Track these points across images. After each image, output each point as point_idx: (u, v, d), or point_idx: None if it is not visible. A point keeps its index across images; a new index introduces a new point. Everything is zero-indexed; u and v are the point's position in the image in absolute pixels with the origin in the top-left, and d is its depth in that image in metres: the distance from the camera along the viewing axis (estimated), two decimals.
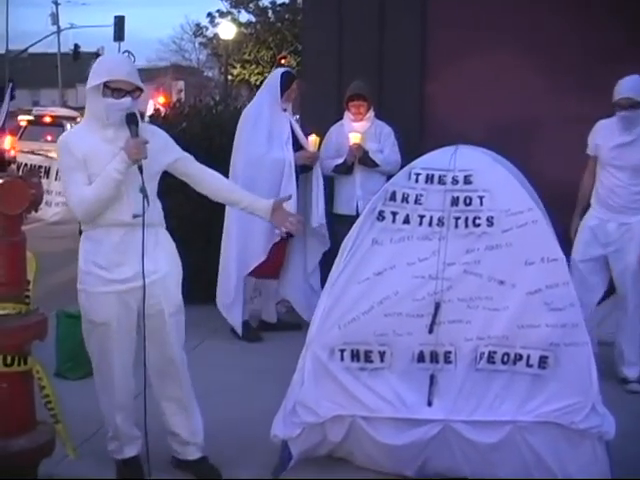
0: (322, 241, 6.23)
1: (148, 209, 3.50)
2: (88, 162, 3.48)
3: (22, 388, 3.33)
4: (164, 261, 3.65)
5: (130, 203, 3.51)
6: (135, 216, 3.48)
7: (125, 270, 3.55)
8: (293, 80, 6.13)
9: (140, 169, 3.44)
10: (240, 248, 5.89)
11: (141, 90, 3.56)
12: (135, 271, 3.52)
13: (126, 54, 31.97)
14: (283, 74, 6.11)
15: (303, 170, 6.10)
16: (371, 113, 6.36)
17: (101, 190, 3.47)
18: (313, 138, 6.09)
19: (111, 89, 3.47)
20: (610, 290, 6.28)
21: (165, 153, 3.68)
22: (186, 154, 3.79)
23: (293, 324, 6.31)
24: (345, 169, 6.28)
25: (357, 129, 6.31)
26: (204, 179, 3.81)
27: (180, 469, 3.84)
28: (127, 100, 3.48)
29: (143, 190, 3.44)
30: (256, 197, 3.89)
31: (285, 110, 6.06)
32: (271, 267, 6.00)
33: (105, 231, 3.56)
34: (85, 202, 3.51)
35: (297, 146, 6.05)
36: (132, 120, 3.47)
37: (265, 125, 5.92)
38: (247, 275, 6.01)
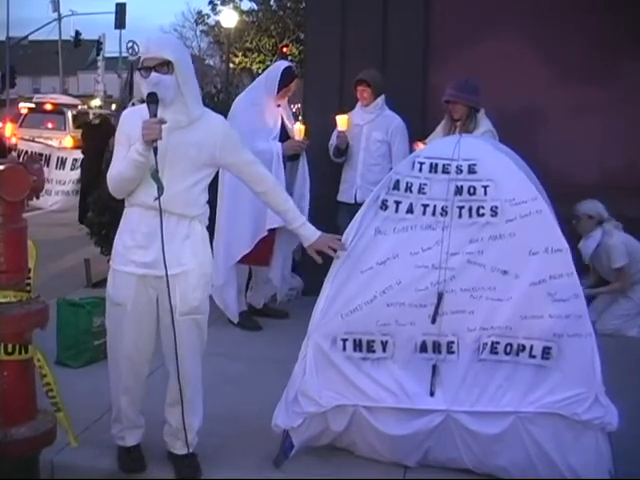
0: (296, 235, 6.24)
1: (181, 199, 3.49)
2: (132, 139, 3.46)
3: (23, 376, 3.31)
4: (188, 258, 3.57)
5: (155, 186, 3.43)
6: (155, 199, 3.41)
7: (146, 254, 3.52)
8: (293, 79, 6.02)
9: (155, 151, 3.36)
10: (227, 240, 5.87)
11: (169, 63, 3.41)
12: (154, 258, 3.48)
13: (130, 44, 31.92)
14: (284, 71, 5.97)
15: (290, 159, 6.07)
16: (379, 102, 6.33)
17: (124, 169, 3.48)
18: (298, 127, 6.06)
19: (143, 69, 3.46)
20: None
21: (219, 149, 3.58)
22: (247, 160, 3.71)
23: (279, 311, 6.36)
24: (338, 153, 6.31)
25: (362, 117, 6.32)
26: (259, 190, 3.75)
27: (169, 461, 3.81)
28: (153, 76, 3.41)
29: (154, 173, 3.37)
30: (304, 222, 3.77)
31: (279, 106, 6.00)
32: (260, 255, 5.99)
33: (136, 211, 3.57)
34: (112, 178, 3.55)
35: (287, 138, 6.01)
36: (152, 100, 3.40)
37: (254, 119, 5.83)
38: (239, 263, 5.97)
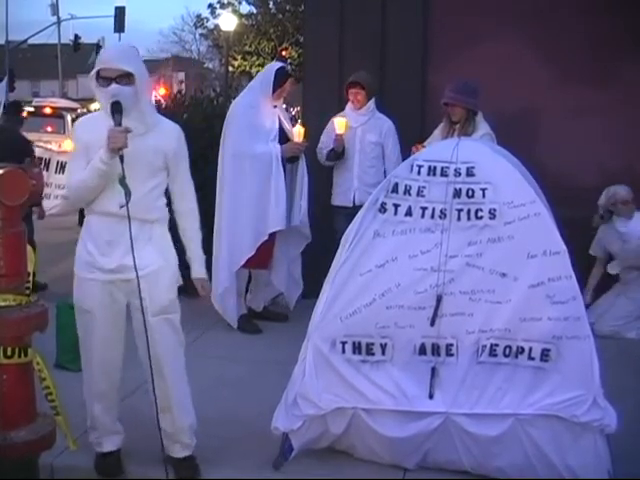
0: (303, 235, 6.27)
1: (140, 205, 3.49)
2: (91, 148, 3.49)
3: (22, 380, 3.31)
4: (153, 259, 3.61)
5: (120, 193, 3.46)
6: (121, 206, 3.45)
7: (110, 261, 3.56)
8: (287, 78, 6.07)
9: (121, 159, 3.39)
10: (229, 244, 5.90)
11: (130, 75, 3.46)
12: (119, 263, 3.54)
13: None
14: (277, 71, 6.02)
15: (290, 160, 6.10)
16: (371, 105, 6.37)
17: (87, 178, 3.50)
18: (298, 129, 6.10)
19: (101, 78, 3.48)
20: (609, 284, 6.31)
21: (172, 156, 3.64)
22: (187, 176, 3.75)
23: (279, 314, 6.38)
24: (334, 156, 6.31)
25: (356, 119, 6.33)
26: (179, 208, 3.76)
27: (169, 464, 3.78)
28: (113, 87, 3.44)
29: (122, 181, 3.40)
30: (201, 258, 3.83)
31: (275, 107, 6.04)
32: (260, 258, 6.01)
33: (98, 218, 3.59)
34: (73, 188, 3.58)
35: (285, 140, 6.03)
36: (116, 109, 3.43)
37: (253, 121, 5.88)
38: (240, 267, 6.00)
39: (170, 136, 3.66)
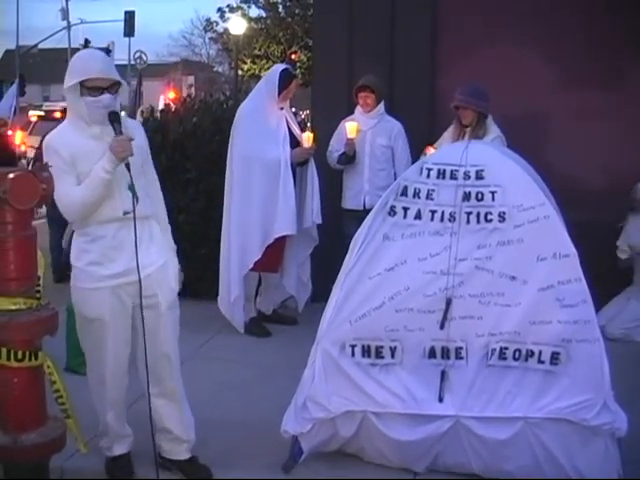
0: (312, 237, 6.29)
1: (139, 204, 3.50)
2: (77, 161, 3.47)
3: (33, 383, 3.32)
4: (158, 255, 3.65)
5: (122, 199, 3.50)
6: (125, 213, 3.48)
7: (117, 265, 3.56)
8: (292, 79, 6.07)
9: (127, 167, 3.41)
10: (239, 247, 5.91)
11: (119, 84, 3.49)
12: (126, 267, 3.53)
13: (138, 53, 31.98)
14: (282, 73, 6.01)
15: (299, 164, 6.11)
16: (381, 108, 6.37)
17: (90, 191, 3.47)
18: (307, 135, 6.10)
19: (87, 88, 3.44)
20: (619, 287, 6.28)
21: (144, 152, 3.68)
22: (150, 169, 3.78)
23: (288, 317, 6.38)
24: (346, 160, 6.32)
25: (365, 123, 6.33)
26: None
27: (167, 469, 3.80)
28: (105, 97, 3.43)
29: (132, 188, 3.44)
30: (174, 249, 3.86)
31: (282, 109, 6.05)
32: (270, 261, 6.01)
33: (98, 228, 3.56)
34: (75, 204, 3.50)
35: (294, 142, 6.04)
36: (115, 118, 3.44)
37: (261, 123, 5.90)
38: (249, 270, 6.01)
39: (140, 133, 3.70)
